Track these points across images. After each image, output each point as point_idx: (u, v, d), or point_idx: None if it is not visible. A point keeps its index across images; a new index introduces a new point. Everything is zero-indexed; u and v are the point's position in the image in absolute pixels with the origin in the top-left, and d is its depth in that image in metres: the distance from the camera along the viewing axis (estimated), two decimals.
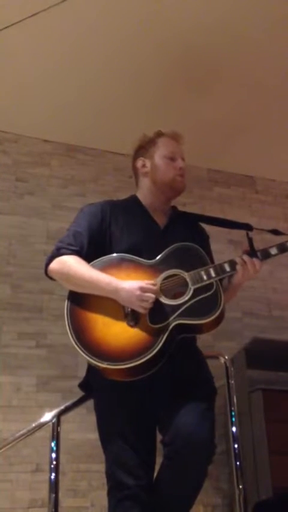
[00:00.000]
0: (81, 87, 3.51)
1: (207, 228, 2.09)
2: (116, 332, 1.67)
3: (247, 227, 1.91)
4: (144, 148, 2.00)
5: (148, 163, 1.97)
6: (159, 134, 2.01)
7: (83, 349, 1.66)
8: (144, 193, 1.99)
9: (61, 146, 4.01)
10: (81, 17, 2.99)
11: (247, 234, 1.84)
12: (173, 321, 1.67)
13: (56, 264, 1.80)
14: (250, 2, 2.91)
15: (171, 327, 1.66)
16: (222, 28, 3.08)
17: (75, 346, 1.67)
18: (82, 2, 2.84)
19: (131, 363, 1.61)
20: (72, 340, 1.68)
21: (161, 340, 1.64)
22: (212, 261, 1.88)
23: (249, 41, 3.17)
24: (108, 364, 1.62)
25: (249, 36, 3.14)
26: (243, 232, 1.93)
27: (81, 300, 1.75)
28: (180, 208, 2.13)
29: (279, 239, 1.92)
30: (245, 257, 1.77)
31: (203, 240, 1.98)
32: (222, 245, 3.20)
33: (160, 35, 3.12)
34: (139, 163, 2.00)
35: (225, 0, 2.91)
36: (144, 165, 1.98)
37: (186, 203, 3.88)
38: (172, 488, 1.63)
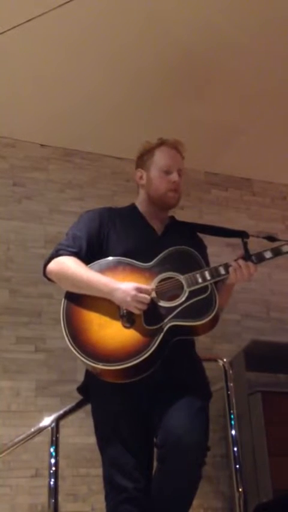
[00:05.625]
0: (78, 92, 3.52)
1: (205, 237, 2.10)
2: (111, 333, 1.69)
3: (243, 235, 1.92)
4: (142, 159, 2.04)
5: (144, 176, 2.02)
6: (159, 144, 2.02)
7: (77, 349, 1.67)
8: (141, 202, 2.04)
9: (58, 151, 4.01)
10: (79, 22, 3.00)
11: (242, 238, 1.87)
12: (168, 323, 1.69)
13: (54, 265, 1.83)
14: (243, 11, 2.93)
15: (166, 328, 1.68)
16: (217, 35, 3.09)
17: (70, 346, 1.69)
18: (80, 7, 2.85)
19: (126, 363, 1.62)
20: (67, 341, 1.70)
21: (155, 342, 1.65)
22: None
23: (244, 46, 3.19)
24: (103, 365, 1.64)
25: (244, 42, 3.15)
26: None
27: (77, 301, 1.76)
28: (178, 211, 2.15)
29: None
30: (240, 261, 1.80)
31: (201, 250, 1.99)
32: (220, 248, 3.18)
33: (157, 40, 3.12)
34: (138, 174, 2.05)
35: (218, 9, 2.93)
36: (141, 177, 2.03)
37: (184, 206, 3.88)
38: (166, 491, 1.63)
